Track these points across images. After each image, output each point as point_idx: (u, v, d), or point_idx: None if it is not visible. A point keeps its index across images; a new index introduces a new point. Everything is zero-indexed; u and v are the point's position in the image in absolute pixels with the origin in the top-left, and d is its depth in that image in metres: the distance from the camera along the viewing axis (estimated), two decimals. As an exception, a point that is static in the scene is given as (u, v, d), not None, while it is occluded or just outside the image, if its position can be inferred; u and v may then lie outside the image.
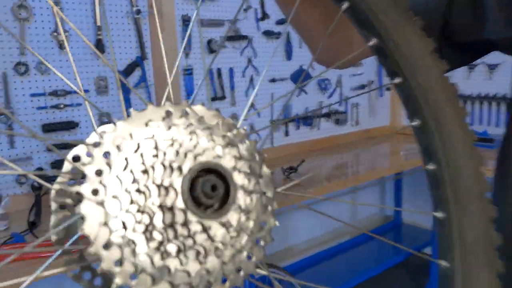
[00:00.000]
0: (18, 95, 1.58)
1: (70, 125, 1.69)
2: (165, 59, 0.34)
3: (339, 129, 2.66)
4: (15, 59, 1.55)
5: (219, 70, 2.13)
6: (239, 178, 0.24)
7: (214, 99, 2.09)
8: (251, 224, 0.25)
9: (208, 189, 0.23)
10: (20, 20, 1.55)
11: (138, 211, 0.23)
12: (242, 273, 0.25)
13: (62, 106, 1.66)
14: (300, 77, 2.37)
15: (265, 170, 0.27)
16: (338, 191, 2.66)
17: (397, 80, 0.30)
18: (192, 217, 0.23)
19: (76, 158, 0.26)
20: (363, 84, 2.76)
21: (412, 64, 0.30)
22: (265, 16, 2.26)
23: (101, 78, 1.75)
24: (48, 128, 1.64)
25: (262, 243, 0.26)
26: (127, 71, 1.83)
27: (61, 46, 1.63)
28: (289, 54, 2.38)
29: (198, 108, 0.26)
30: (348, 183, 2.04)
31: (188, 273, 0.24)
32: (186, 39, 0.41)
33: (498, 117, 2.44)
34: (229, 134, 0.26)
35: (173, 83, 0.54)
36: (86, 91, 1.72)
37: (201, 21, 2.02)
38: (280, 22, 2.30)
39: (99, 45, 1.72)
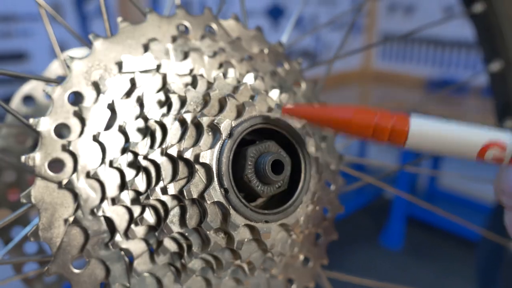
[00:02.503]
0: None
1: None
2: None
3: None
4: None
5: None
6: (311, 145, 0.14)
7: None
8: (315, 215, 0.16)
9: (266, 167, 0.13)
10: None
11: (135, 203, 0.13)
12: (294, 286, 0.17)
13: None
14: (276, 13, 2.21)
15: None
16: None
17: None
18: (236, 218, 0.13)
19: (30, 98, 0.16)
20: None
21: None
22: None
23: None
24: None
25: (321, 240, 0.17)
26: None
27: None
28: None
29: (231, 24, 0.16)
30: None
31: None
32: None
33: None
34: (280, 69, 0.16)
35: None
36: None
37: None
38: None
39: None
